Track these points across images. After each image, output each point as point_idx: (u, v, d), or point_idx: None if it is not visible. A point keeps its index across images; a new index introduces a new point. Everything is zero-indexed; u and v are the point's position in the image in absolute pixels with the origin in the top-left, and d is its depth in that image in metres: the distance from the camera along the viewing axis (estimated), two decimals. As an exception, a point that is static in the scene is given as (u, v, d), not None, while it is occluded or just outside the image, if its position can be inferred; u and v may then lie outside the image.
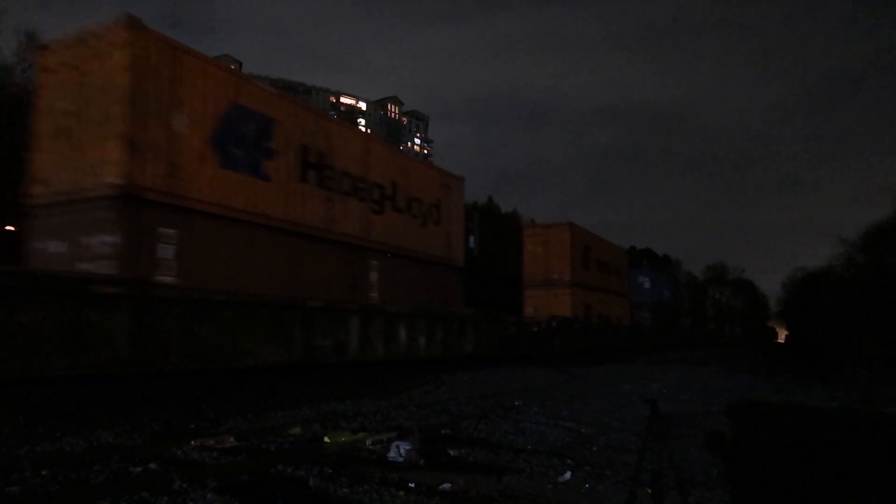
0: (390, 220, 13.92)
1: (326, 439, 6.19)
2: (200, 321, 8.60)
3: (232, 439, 6.14)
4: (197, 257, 9.23)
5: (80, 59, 8.82)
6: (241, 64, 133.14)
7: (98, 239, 8.31)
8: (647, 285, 34.98)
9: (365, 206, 13.13)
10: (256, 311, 9.65)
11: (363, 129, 11.83)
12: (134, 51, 8.51)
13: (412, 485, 4.68)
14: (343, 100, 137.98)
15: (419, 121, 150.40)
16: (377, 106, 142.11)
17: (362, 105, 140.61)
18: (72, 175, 8.65)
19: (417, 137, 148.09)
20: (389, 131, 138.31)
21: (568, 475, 5.15)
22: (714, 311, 55.70)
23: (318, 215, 11.77)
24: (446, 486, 4.67)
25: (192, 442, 5.92)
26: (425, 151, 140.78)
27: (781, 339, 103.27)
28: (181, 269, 8.92)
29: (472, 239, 28.96)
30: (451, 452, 5.92)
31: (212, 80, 9.75)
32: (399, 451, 5.52)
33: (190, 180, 9.26)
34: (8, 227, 14.58)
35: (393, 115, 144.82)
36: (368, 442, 6.11)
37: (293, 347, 10.37)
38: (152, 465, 5.07)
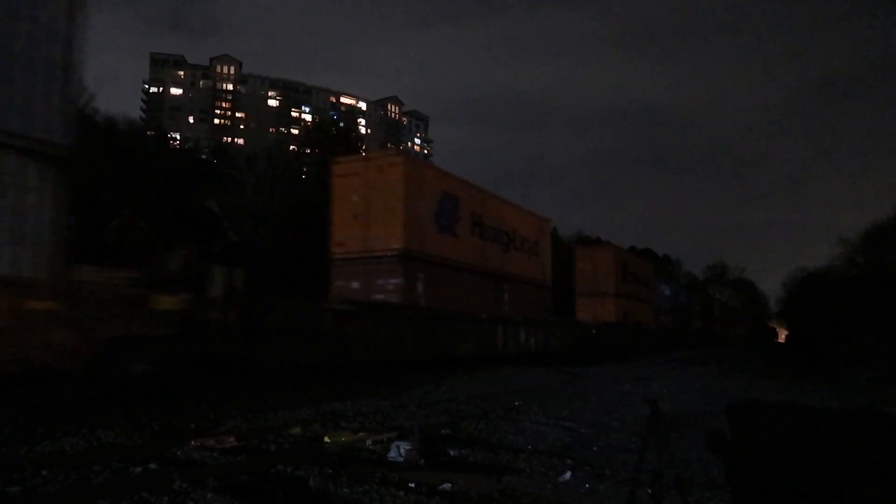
0: (513, 256, 19.59)
1: (326, 439, 6.19)
2: (436, 326, 14.14)
3: (232, 439, 6.14)
4: (431, 289, 14.91)
5: (366, 171, 14.72)
6: (240, 64, 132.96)
7: (387, 281, 14.07)
8: (667, 292, 39.77)
9: (500, 248, 18.77)
10: (458, 321, 15.31)
11: (475, 185, 15.62)
12: (404, 168, 14.48)
13: (412, 485, 4.68)
14: (343, 100, 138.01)
15: (419, 121, 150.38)
16: (377, 106, 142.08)
17: (362, 105, 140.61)
18: (363, 242, 14.43)
19: (417, 137, 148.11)
20: (389, 131, 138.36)
21: (568, 475, 5.15)
22: (720, 313, 60.64)
23: (478, 257, 17.51)
24: (446, 486, 4.68)
25: (193, 442, 5.92)
26: (425, 151, 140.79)
27: (781, 339, 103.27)
28: (426, 297, 14.71)
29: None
30: (452, 452, 5.92)
31: (434, 178, 15.80)
32: (399, 451, 5.53)
33: (425, 242, 14.91)
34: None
35: (393, 115, 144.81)
36: (368, 442, 6.11)
37: (475, 344, 15.86)
38: (152, 465, 5.07)
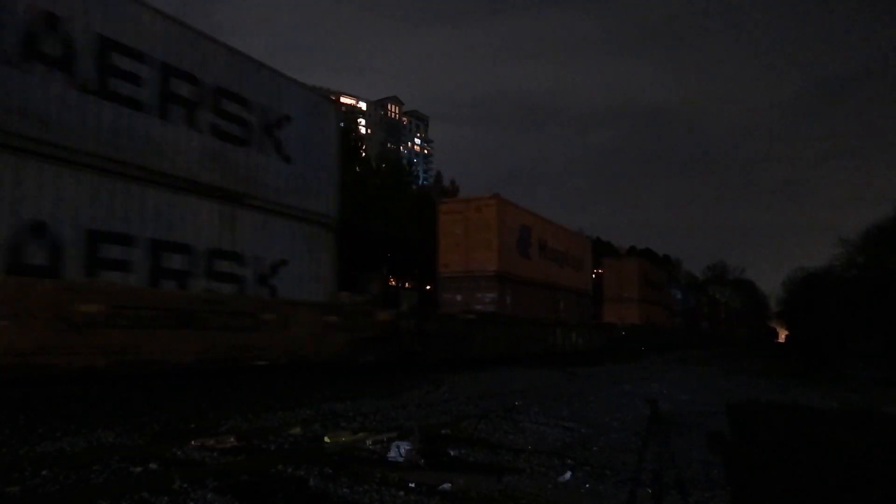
0: (565, 271, 23.92)
1: (327, 439, 6.19)
2: (519, 330, 19.10)
3: (232, 439, 6.14)
4: (515, 301, 19.15)
5: (466, 210, 18.84)
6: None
7: (484, 295, 18.10)
8: (679, 297, 43.85)
9: (557, 265, 23.07)
10: (532, 326, 20.29)
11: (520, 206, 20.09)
12: (497, 209, 18.42)
13: (412, 485, 4.68)
14: (343, 100, 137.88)
15: (419, 121, 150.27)
16: (377, 106, 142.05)
17: (362, 105, 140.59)
18: (464, 264, 18.49)
19: (417, 137, 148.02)
20: (389, 131, 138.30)
21: (568, 475, 5.15)
22: (725, 315, 65.52)
23: (543, 273, 21.70)
24: (446, 486, 4.67)
25: (193, 442, 5.92)
26: (425, 151, 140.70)
27: (782, 339, 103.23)
28: (512, 308, 18.95)
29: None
30: (452, 452, 5.92)
31: (515, 213, 19.73)
32: (399, 451, 5.52)
33: (511, 265, 19.07)
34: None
35: (393, 115, 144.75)
36: (368, 442, 6.11)
37: (542, 343, 20.81)
38: (152, 465, 5.07)
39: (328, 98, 13.29)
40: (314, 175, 11.36)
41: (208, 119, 9.33)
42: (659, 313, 36.53)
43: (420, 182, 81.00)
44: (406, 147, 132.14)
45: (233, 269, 9.60)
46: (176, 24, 8.96)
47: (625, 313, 31.70)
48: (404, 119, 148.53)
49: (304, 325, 10.55)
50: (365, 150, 52.75)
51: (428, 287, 26.57)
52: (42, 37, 7.23)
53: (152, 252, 8.33)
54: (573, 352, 22.83)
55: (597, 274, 33.54)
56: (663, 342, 35.16)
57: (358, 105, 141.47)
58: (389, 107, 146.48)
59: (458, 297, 18.15)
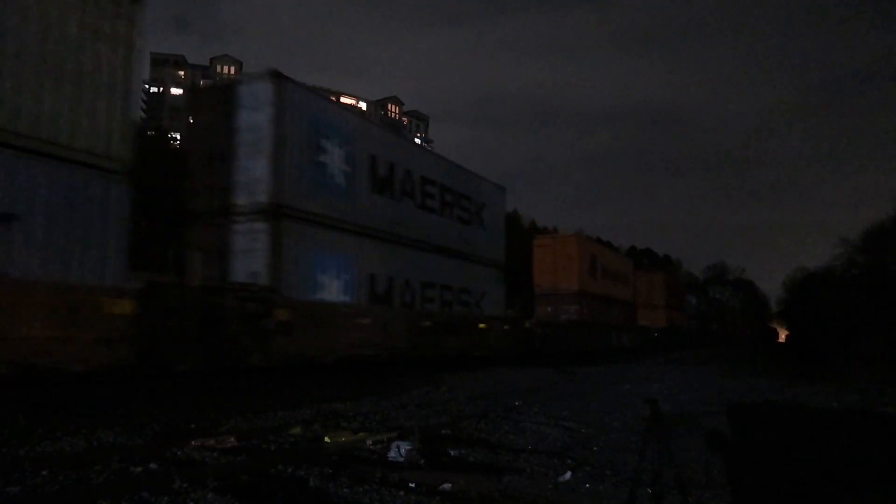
0: (617, 286, 30.67)
1: (327, 439, 6.19)
2: (592, 333, 26.16)
3: (232, 439, 6.14)
4: (588, 312, 25.71)
5: (553, 244, 25.83)
6: (241, 64, 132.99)
7: (569, 307, 24.40)
8: (693, 302, 50.98)
9: (611, 282, 29.38)
10: (601, 329, 27.14)
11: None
12: (576, 244, 25.45)
13: (412, 485, 4.68)
14: (343, 100, 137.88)
15: (419, 121, 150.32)
16: (377, 106, 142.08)
17: (362, 105, 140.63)
18: (552, 284, 24.74)
19: (418, 137, 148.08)
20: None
21: (568, 475, 5.15)
22: (730, 317, 74.14)
23: (603, 289, 28.35)
24: (446, 486, 4.67)
25: (193, 442, 5.92)
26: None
27: (782, 339, 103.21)
28: (586, 316, 25.40)
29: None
30: (452, 452, 5.91)
31: (588, 245, 27.00)
32: (399, 451, 5.52)
33: (586, 284, 25.56)
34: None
35: (393, 115, 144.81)
36: (369, 442, 6.11)
37: (605, 342, 27.36)
38: (153, 465, 5.07)
39: (501, 186, 19.77)
40: (495, 236, 18.72)
41: (456, 212, 16.69)
42: (679, 317, 44.02)
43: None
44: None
45: (466, 299, 16.86)
46: (446, 161, 16.91)
47: (654, 317, 38.13)
48: (404, 119, 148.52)
49: (495, 330, 17.98)
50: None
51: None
52: (407, 183, 14.50)
53: (441, 292, 15.53)
54: (621, 349, 30.04)
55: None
56: (682, 341, 42.76)
57: (358, 105, 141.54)
58: (390, 107, 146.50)
59: (549, 309, 24.72)
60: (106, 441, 6.05)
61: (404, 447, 5.56)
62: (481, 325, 17.28)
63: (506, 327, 18.76)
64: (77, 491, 4.25)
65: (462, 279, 16.52)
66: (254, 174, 10.55)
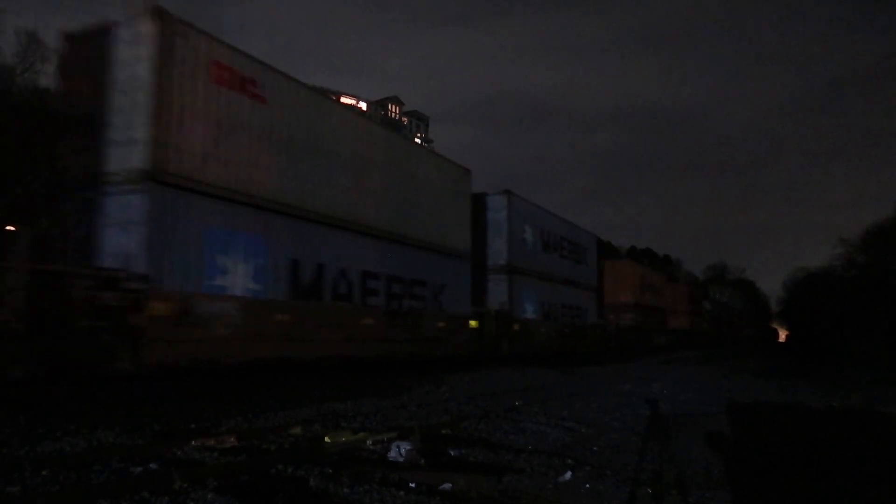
0: (657, 297, 37.79)
1: (327, 439, 6.18)
2: (645, 335, 34.43)
3: (232, 439, 6.14)
4: (642, 318, 33.81)
5: (616, 269, 32.13)
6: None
7: (627, 315, 31.31)
8: (707, 307, 59.16)
9: (654, 294, 36.76)
10: (650, 333, 36.05)
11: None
12: (632, 267, 35.36)
13: (412, 485, 4.68)
14: (343, 99, 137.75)
15: (419, 121, 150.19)
16: (377, 106, 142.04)
17: (363, 105, 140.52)
18: (614, 297, 30.56)
19: (418, 137, 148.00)
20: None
21: (568, 475, 5.15)
22: (737, 319, 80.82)
23: (649, 301, 35.51)
24: (447, 485, 4.67)
25: (193, 442, 5.92)
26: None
27: (782, 338, 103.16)
28: (640, 322, 33.42)
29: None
30: (452, 452, 5.91)
31: (640, 268, 37.60)
32: (399, 450, 5.52)
33: (639, 298, 33.18)
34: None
35: (393, 115, 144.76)
36: (369, 442, 6.11)
37: (650, 343, 35.16)
38: (153, 465, 5.07)
39: (592, 233, 26.39)
40: (590, 268, 25.23)
41: (570, 255, 22.87)
42: (698, 321, 52.13)
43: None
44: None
45: (574, 315, 23.12)
46: (567, 223, 23.21)
47: (680, 321, 44.99)
48: (404, 119, 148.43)
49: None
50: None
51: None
52: (551, 241, 21.18)
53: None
54: (659, 348, 36.68)
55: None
56: (700, 341, 51.24)
57: (358, 105, 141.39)
58: (390, 107, 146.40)
59: (612, 316, 29.96)
60: (106, 441, 6.04)
61: (404, 447, 5.56)
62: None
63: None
64: (77, 491, 4.24)
65: (570, 299, 22.81)
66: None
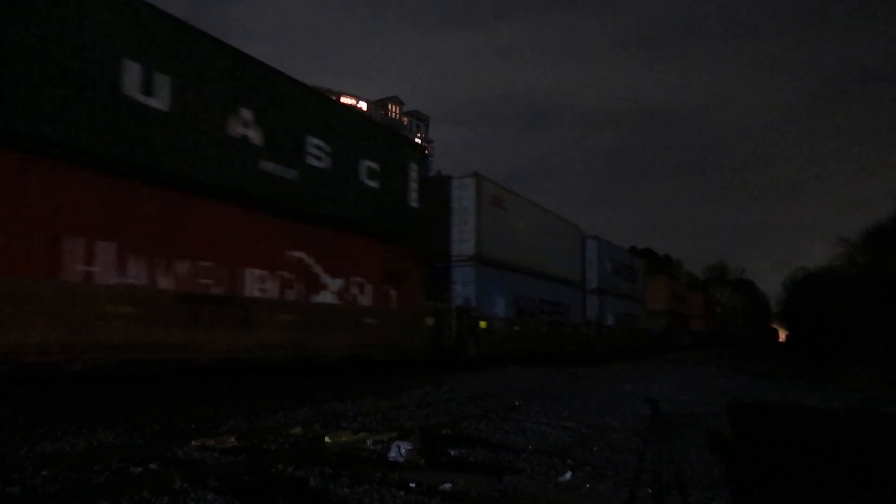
0: (684, 305, 45.91)
1: (327, 439, 6.18)
2: (675, 335, 41.87)
3: (233, 439, 6.14)
4: (673, 323, 41.28)
5: (653, 282, 38.20)
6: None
7: (661, 321, 37.62)
8: (718, 311, 65.91)
9: (682, 303, 44.99)
10: (678, 333, 43.51)
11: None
12: (665, 281, 40.68)
13: (413, 485, 4.68)
14: (344, 99, 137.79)
15: (420, 121, 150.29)
16: (378, 106, 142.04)
17: (363, 105, 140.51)
18: (652, 304, 36.88)
19: (418, 138, 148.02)
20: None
21: (568, 475, 5.15)
22: (741, 320, 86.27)
23: (679, 308, 43.09)
24: (447, 486, 4.67)
25: (193, 442, 5.92)
26: (426, 151, 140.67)
27: (782, 338, 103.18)
28: (672, 325, 42.03)
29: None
30: (452, 452, 5.91)
31: (672, 281, 46.13)
32: (399, 450, 5.52)
33: (672, 305, 40.46)
34: None
35: (393, 115, 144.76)
36: (369, 442, 6.11)
37: (678, 342, 42.80)
38: (153, 465, 5.07)
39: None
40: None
41: (624, 276, 28.58)
42: (711, 323, 59.26)
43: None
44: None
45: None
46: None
47: (698, 324, 51.33)
48: (404, 119, 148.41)
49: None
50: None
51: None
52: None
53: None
54: (683, 346, 43.21)
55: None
56: (712, 341, 58.33)
57: (358, 105, 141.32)
58: (390, 107, 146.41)
59: (649, 321, 34.25)
60: (106, 441, 6.04)
61: (404, 447, 5.56)
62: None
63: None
64: (77, 491, 4.24)
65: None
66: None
